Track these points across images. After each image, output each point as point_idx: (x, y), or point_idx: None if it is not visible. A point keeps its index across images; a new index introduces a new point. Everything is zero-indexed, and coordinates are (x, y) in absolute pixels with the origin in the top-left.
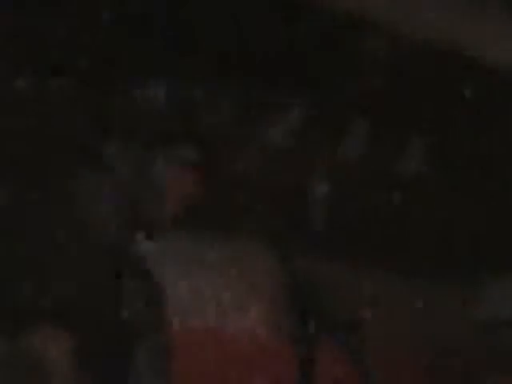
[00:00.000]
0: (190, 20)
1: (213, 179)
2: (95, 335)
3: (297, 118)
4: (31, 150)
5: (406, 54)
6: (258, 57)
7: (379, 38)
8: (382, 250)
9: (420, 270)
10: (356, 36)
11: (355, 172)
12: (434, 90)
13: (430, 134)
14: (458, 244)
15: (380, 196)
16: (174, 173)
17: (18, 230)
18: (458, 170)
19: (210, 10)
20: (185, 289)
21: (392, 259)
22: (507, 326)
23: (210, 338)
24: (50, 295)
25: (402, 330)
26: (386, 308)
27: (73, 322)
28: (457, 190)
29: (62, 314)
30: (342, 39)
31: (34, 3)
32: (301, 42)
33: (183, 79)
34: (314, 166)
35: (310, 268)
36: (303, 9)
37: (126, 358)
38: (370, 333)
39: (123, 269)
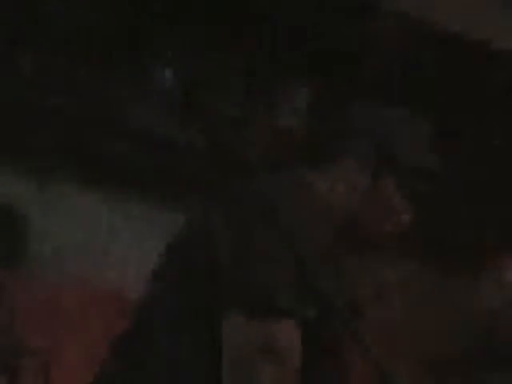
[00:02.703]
0: None
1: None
2: None
3: (301, 100)
4: None
5: (411, 38)
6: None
7: (383, 21)
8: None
9: (423, 257)
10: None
11: None
12: (441, 75)
13: (436, 120)
14: (460, 231)
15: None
16: None
17: None
18: (463, 154)
19: None
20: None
21: (396, 245)
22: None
23: None
24: None
25: (403, 316)
26: (389, 294)
27: None
28: (464, 176)
29: None
30: (346, 22)
31: None
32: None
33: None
34: (318, 145)
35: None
36: None
37: None
38: (371, 319)
39: None
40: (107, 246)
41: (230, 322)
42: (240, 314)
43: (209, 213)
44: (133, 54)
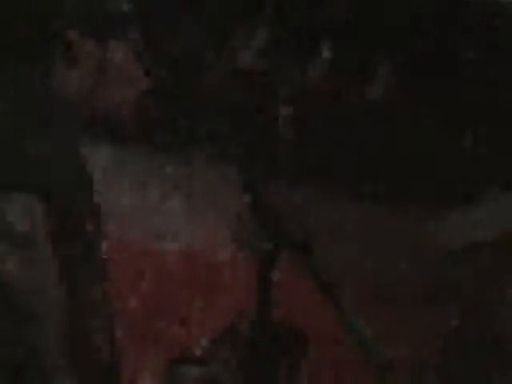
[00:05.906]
0: None
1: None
2: None
3: (262, 40)
4: None
5: None
6: None
7: None
8: (343, 175)
9: (380, 195)
10: None
11: (320, 95)
12: (400, 11)
13: (397, 57)
14: (419, 171)
15: (345, 119)
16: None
17: None
18: (424, 93)
19: None
20: (139, 201)
21: (353, 184)
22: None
23: (161, 254)
24: None
25: (354, 255)
26: (342, 233)
27: None
28: (423, 114)
29: None
30: None
31: None
32: None
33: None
34: (279, 88)
35: (272, 190)
36: None
37: None
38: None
39: None
40: None
41: None
42: None
43: None
44: None
